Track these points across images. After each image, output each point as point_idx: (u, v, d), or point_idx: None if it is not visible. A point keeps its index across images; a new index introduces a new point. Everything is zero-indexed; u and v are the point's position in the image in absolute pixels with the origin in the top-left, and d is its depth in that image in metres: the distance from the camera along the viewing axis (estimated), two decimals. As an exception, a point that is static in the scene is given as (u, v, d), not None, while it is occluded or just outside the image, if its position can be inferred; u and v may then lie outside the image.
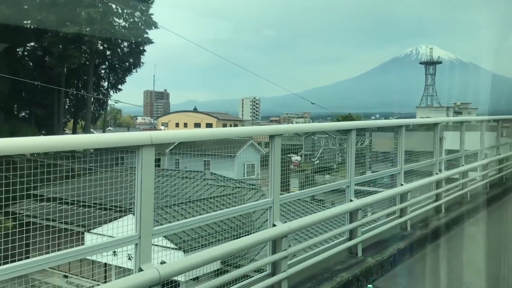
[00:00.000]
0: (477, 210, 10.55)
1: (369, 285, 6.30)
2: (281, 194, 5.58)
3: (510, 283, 6.86)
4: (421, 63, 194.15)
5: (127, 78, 53.90)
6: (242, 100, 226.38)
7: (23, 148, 3.51)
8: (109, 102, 55.07)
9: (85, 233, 10.78)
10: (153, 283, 3.97)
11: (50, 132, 43.76)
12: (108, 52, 51.07)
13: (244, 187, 22.88)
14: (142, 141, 4.00)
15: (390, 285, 7.00)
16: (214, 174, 25.99)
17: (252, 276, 5.31)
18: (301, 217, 5.97)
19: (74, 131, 50.27)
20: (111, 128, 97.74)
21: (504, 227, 9.60)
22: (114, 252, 4.38)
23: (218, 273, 5.04)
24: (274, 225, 5.42)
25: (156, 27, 47.74)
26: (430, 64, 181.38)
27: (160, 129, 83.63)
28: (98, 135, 4.06)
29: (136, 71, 53.17)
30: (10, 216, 21.13)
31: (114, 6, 46.45)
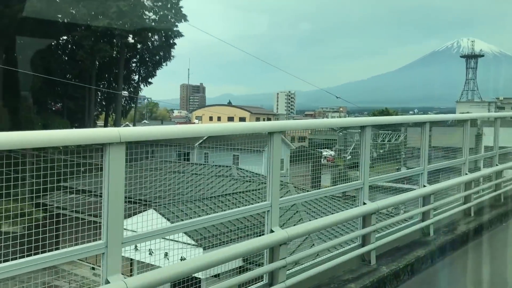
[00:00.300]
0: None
1: None
2: (281, 197, 5.08)
3: None
4: (462, 56, 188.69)
5: (160, 72, 54.27)
6: (277, 94, 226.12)
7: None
8: (140, 95, 55.62)
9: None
10: (119, 296, 3.56)
11: (81, 125, 44.38)
12: (138, 46, 51.25)
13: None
14: (109, 138, 3.58)
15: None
16: (241, 169, 25.60)
17: (249, 286, 4.87)
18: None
19: (105, 124, 50.92)
20: (146, 122, 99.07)
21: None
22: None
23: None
24: (272, 231, 4.94)
25: (185, 20, 47.75)
26: (472, 57, 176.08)
27: (194, 123, 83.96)
28: (64, 131, 3.64)
29: (166, 65, 53.40)
30: (41, 208, 21.45)
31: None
